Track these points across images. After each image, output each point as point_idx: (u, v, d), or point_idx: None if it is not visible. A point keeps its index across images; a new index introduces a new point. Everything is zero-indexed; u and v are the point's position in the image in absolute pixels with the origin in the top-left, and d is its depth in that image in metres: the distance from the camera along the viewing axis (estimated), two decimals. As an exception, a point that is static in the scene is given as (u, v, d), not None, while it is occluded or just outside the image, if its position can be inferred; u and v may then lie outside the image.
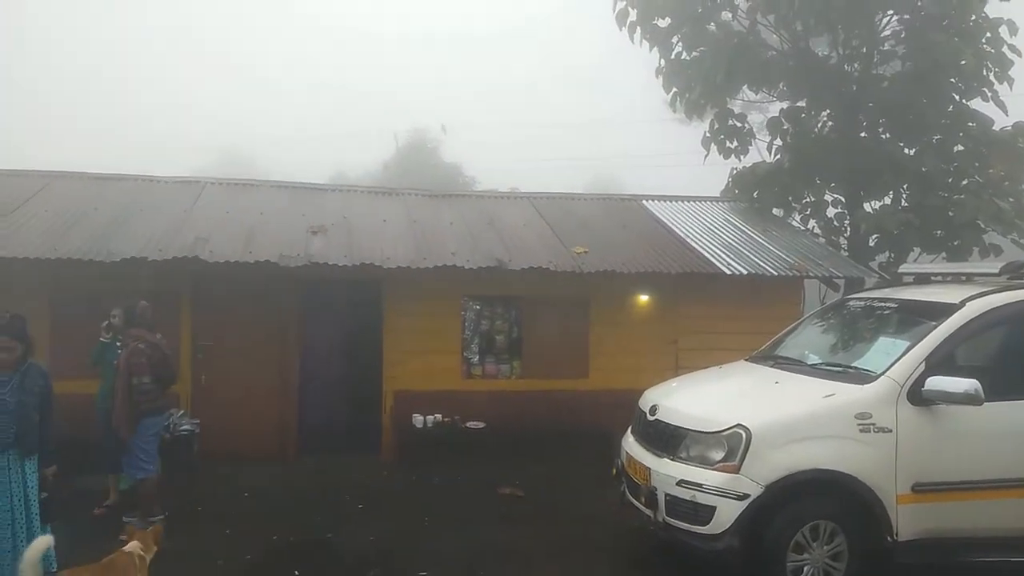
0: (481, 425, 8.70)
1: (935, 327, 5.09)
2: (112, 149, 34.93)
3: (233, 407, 8.38)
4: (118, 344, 6.64)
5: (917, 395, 4.82)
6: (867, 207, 11.47)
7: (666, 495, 5.02)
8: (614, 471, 6.09)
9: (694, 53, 11.50)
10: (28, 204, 8.66)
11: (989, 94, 10.60)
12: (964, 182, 10.92)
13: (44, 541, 4.16)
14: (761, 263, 9.18)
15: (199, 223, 8.61)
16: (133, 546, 4.36)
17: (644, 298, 9.33)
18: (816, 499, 4.80)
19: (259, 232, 8.56)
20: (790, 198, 11.80)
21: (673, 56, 11.70)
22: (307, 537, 6.20)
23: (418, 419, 8.62)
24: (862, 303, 6.30)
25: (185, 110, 53.52)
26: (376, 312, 8.91)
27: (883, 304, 6.04)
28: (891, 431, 4.79)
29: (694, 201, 11.76)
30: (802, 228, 11.76)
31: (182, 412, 7.94)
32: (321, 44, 69.47)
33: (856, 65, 11.36)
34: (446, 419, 8.69)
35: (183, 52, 67.86)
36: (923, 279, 6.80)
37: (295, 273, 7.99)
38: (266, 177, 12.36)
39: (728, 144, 11.99)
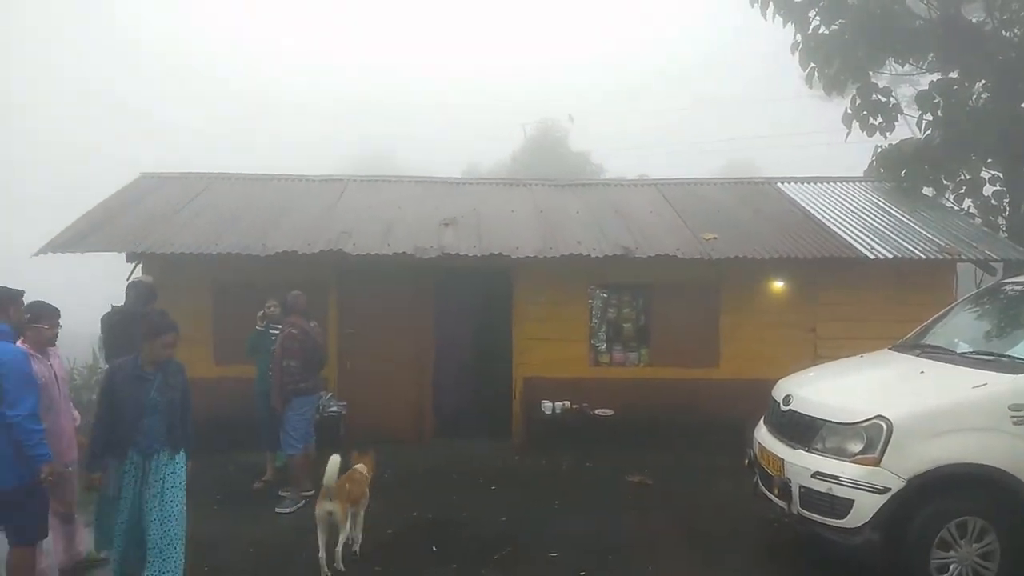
0: (609, 413, 8.76)
1: (1103, 312, 4.68)
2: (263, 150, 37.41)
3: (374, 391, 8.89)
4: (272, 332, 7.22)
5: (1080, 386, 4.46)
6: (1030, 183, 10.53)
7: (800, 487, 4.91)
8: (746, 461, 6.00)
9: (833, 26, 10.93)
10: (192, 204, 9.52)
11: None
12: None
13: (337, 458, 5.32)
14: (908, 246, 8.66)
15: (343, 218, 9.16)
16: (360, 467, 5.87)
17: (779, 284, 9.05)
18: (964, 494, 4.54)
19: (396, 225, 8.99)
20: (942, 176, 10.99)
21: (810, 31, 11.17)
22: (443, 515, 6.52)
23: (547, 405, 8.80)
24: (1020, 287, 5.85)
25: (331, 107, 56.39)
26: (506, 300, 9.16)
27: (1044, 288, 5.59)
28: (1050, 424, 4.46)
29: (834, 182, 11.24)
30: (956, 208, 10.95)
31: (330, 395, 8.52)
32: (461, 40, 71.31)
33: (1016, 30, 10.41)
34: (574, 406, 8.82)
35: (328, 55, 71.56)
36: (1093, 261, 6.22)
37: (429, 264, 8.35)
38: (404, 172, 12.94)
39: (872, 120, 11.31)
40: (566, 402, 8.82)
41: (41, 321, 5.03)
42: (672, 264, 8.35)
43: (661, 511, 6.62)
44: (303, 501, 6.75)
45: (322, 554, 5.18)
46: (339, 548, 5.29)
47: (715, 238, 8.74)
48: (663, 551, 5.72)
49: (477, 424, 9.36)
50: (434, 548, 5.79)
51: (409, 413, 9.05)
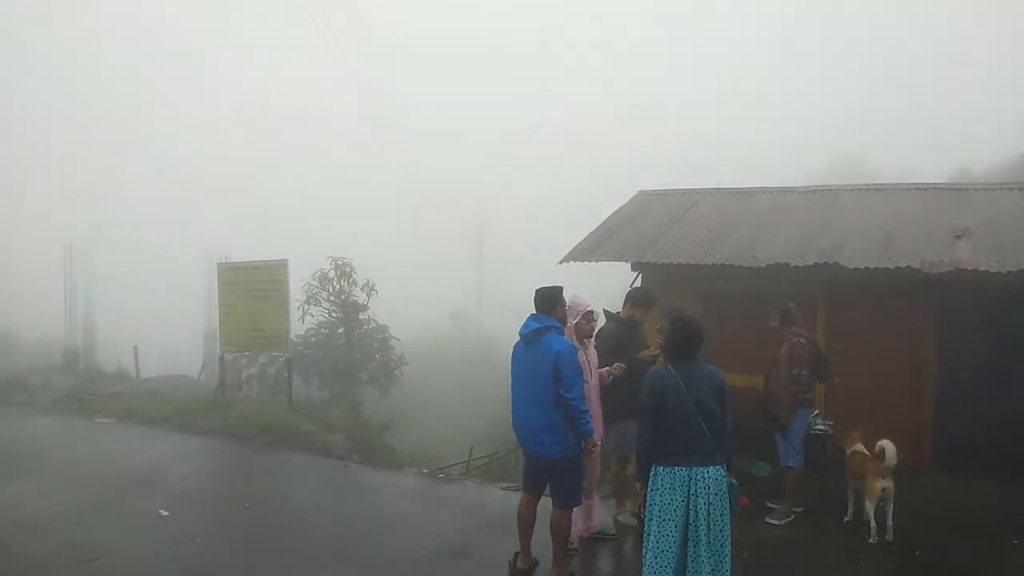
0: None
1: None
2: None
3: (864, 412, 8.30)
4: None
5: None
6: None
7: None
8: None
9: None
10: (683, 218, 10.13)
11: None
12: None
13: (890, 443, 6.26)
14: None
15: (834, 229, 8.84)
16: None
17: None
18: None
19: (896, 237, 8.36)
20: None
21: None
22: (954, 561, 5.87)
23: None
24: None
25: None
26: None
27: None
28: None
29: None
30: None
31: (816, 412, 8.28)
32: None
33: None
34: None
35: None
36: None
37: (930, 278, 7.59)
38: (876, 178, 12.02)
39: None
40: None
41: (573, 315, 5.93)
42: None
43: None
44: (792, 515, 6.70)
45: (873, 523, 6.11)
46: (890, 522, 6.11)
47: None
48: None
49: (990, 461, 8.09)
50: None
51: (903, 439, 8.18)
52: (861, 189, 10.36)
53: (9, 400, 13.63)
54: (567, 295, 5.78)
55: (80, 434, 10.92)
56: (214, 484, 8.90)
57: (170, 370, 18.60)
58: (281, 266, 12.35)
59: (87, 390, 14.62)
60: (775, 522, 6.61)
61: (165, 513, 7.07)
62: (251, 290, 12.58)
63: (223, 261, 13.89)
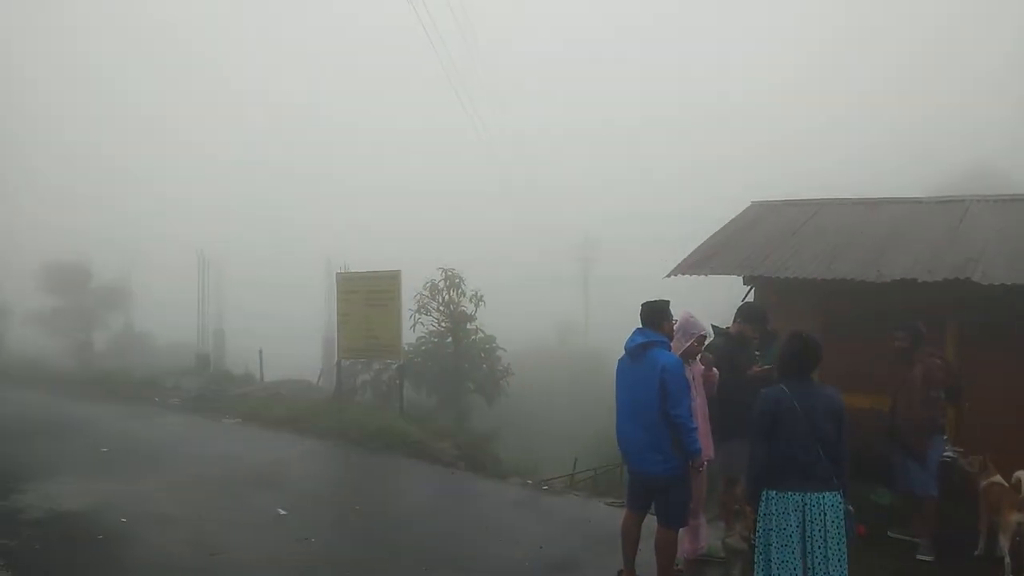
0: None
1: None
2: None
3: (995, 439, 7.73)
4: None
5: None
6: None
7: None
8: None
9: None
10: (803, 229, 9.74)
11: None
12: None
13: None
14: None
15: (966, 243, 8.29)
16: None
17: None
18: None
19: (1034, 251, 7.76)
20: None
21: None
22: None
23: None
24: None
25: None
26: None
27: None
28: None
29: None
30: None
31: (944, 437, 7.78)
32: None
33: None
34: None
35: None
36: None
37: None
38: (1012, 188, 11.18)
39: None
40: None
41: (687, 337, 5.80)
42: None
43: None
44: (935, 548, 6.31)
45: (1008, 560, 5.58)
46: None
47: None
48: None
49: None
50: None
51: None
52: (996, 200, 9.66)
53: (146, 399, 14.66)
54: (681, 314, 5.72)
55: (207, 433, 11.62)
56: (329, 486, 9.28)
57: (291, 374, 19.49)
58: (394, 276, 12.78)
59: (215, 391, 15.54)
60: (927, 558, 6.23)
61: (283, 512, 7.42)
62: (367, 299, 13.07)
63: (342, 271, 14.49)
